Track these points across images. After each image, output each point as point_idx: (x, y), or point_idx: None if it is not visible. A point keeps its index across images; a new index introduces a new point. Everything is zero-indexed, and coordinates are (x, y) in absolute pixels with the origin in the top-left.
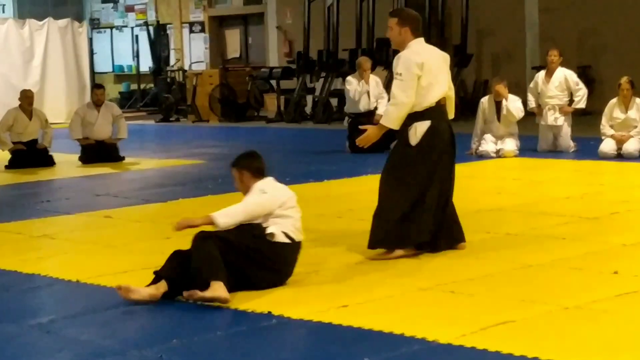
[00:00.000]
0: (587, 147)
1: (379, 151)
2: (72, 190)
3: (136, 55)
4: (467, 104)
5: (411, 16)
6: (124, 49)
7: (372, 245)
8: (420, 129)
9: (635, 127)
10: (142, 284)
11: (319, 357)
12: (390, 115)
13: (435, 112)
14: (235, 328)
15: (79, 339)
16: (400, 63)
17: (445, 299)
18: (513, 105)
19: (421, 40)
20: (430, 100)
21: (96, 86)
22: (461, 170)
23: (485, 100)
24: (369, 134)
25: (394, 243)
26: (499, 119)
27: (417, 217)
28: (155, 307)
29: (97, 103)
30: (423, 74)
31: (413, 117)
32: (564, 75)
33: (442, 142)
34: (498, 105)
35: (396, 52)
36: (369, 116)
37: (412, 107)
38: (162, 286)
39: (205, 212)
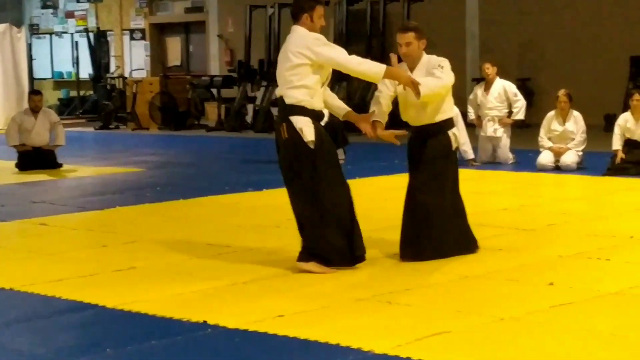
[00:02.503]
0: (525, 159)
1: None
2: (7, 197)
3: (76, 62)
4: None
5: (423, 29)
6: (64, 55)
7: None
8: (456, 135)
9: (573, 139)
10: (77, 293)
11: None
12: (430, 85)
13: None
14: (170, 338)
15: (11, 347)
16: (443, 62)
17: (382, 310)
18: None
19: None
20: (454, 109)
21: (33, 92)
22: (399, 181)
23: None
24: (401, 73)
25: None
26: None
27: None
28: (89, 316)
29: (34, 109)
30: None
31: (449, 124)
32: (503, 86)
33: None
34: None
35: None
36: None
37: (446, 112)
38: None
39: (144, 220)
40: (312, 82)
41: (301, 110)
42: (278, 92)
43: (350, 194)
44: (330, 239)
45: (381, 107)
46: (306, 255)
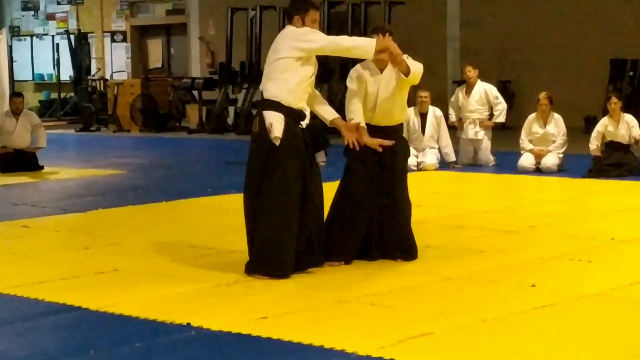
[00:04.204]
0: (506, 161)
1: None
2: None
3: (57, 64)
4: None
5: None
6: (45, 57)
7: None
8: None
9: (554, 141)
10: (60, 295)
11: None
12: (413, 65)
13: None
14: (154, 340)
15: None
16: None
17: (365, 311)
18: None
19: None
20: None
21: (15, 94)
22: None
23: (409, 112)
24: (392, 43)
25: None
26: (423, 131)
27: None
28: (72, 318)
29: (15, 112)
30: None
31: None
32: (484, 89)
33: None
34: (422, 118)
35: None
36: None
37: (403, 116)
38: None
39: (126, 222)
40: (292, 77)
41: (275, 106)
42: (261, 86)
43: (300, 203)
44: (268, 238)
45: (359, 108)
46: (253, 265)
